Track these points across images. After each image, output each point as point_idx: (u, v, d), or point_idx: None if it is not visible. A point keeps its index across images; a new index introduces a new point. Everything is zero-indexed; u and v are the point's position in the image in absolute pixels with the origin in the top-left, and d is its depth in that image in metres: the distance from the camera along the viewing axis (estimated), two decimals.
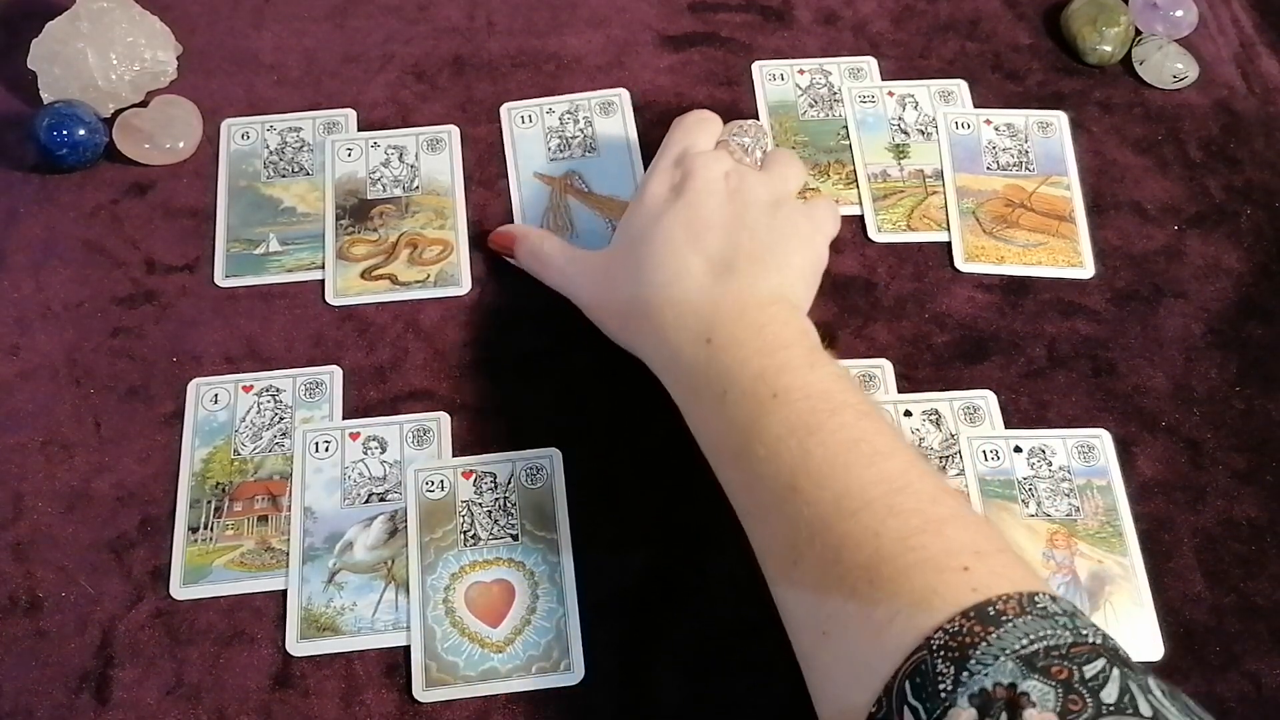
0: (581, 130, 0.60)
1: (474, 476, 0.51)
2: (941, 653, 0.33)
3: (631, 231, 0.50)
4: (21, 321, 0.55)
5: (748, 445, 0.42)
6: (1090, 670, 0.32)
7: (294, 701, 0.46)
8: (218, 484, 0.51)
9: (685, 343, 0.46)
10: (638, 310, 0.48)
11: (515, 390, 0.54)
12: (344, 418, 0.53)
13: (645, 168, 0.58)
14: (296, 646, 0.47)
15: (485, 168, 0.60)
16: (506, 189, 0.59)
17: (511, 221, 0.58)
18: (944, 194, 0.60)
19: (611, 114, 0.60)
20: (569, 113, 0.60)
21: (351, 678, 0.47)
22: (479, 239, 0.58)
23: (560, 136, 0.60)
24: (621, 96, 0.61)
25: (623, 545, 0.50)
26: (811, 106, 0.63)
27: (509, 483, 0.51)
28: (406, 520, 0.50)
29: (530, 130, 0.60)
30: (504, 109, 0.60)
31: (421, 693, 0.46)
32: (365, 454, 0.52)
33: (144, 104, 0.61)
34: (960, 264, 0.58)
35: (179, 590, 0.48)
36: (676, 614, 0.48)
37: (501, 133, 0.60)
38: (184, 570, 0.49)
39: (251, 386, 0.53)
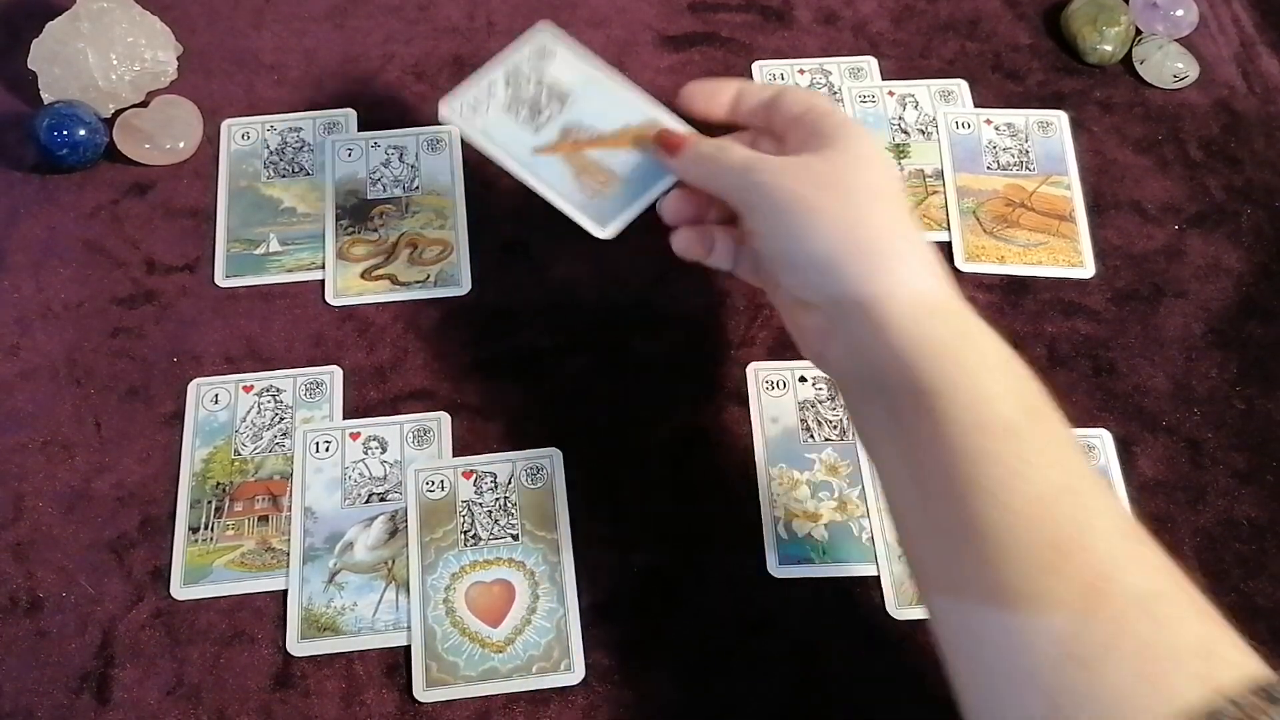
0: (537, 83, 0.52)
1: (474, 476, 0.51)
2: None
3: (873, 156, 0.42)
4: (22, 321, 0.55)
5: (1021, 433, 0.36)
6: None
7: (294, 701, 0.46)
8: (218, 484, 0.51)
9: (953, 291, 0.40)
10: (904, 226, 0.40)
11: (515, 390, 0.54)
12: (344, 418, 0.53)
13: (621, 77, 0.52)
14: (297, 646, 0.47)
15: (485, 167, 0.60)
16: (522, 188, 0.55)
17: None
18: (944, 194, 0.60)
19: (552, 54, 0.52)
20: (513, 77, 0.52)
21: (352, 678, 0.47)
22: (479, 239, 0.58)
23: (524, 101, 0.52)
24: (548, 33, 0.53)
25: (623, 545, 0.50)
26: None
27: (509, 483, 0.51)
28: (407, 520, 0.50)
29: (493, 115, 0.52)
30: (444, 106, 0.51)
31: (422, 693, 0.46)
32: (365, 454, 0.52)
33: (144, 104, 0.61)
34: (961, 263, 0.58)
35: (179, 590, 0.48)
36: (676, 614, 0.48)
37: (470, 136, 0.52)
38: (184, 570, 0.49)
39: (252, 386, 0.53)
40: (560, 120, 0.52)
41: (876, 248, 0.39)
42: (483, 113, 0.52)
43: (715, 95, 0.48)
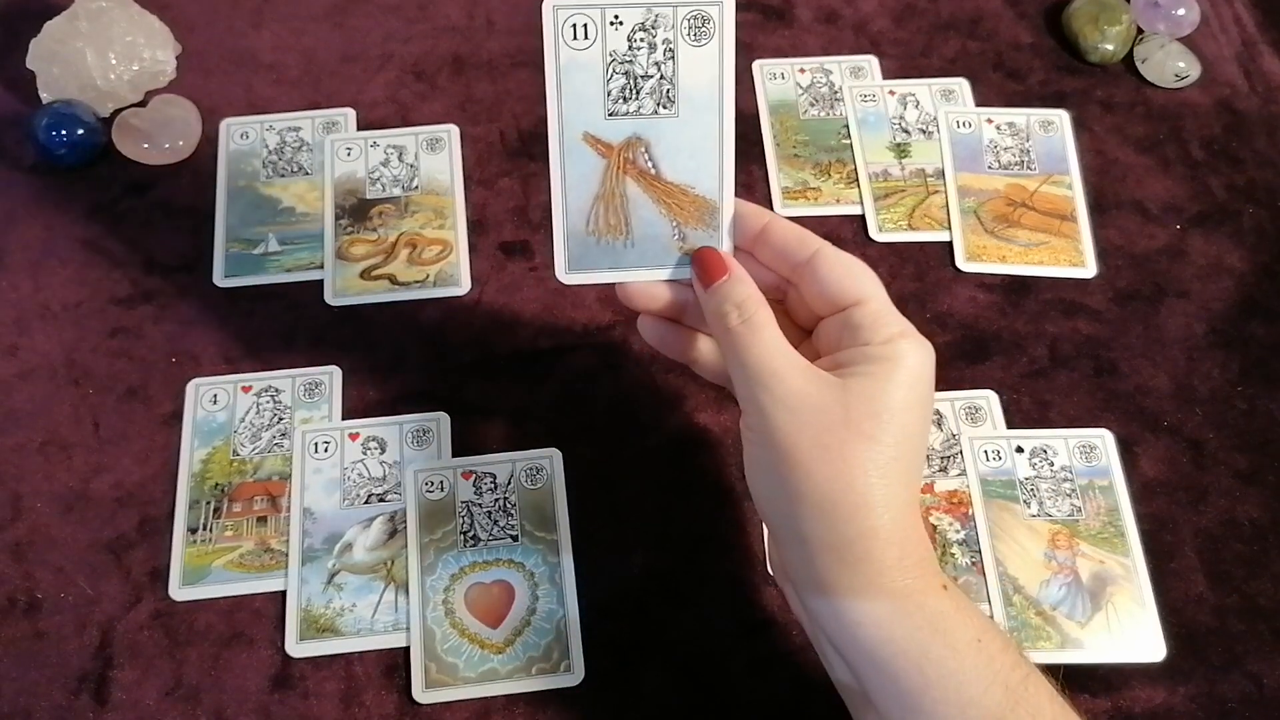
0: (659, 65, 0.40)
1: (474, 477, 0.51)
2: None
3: (898, 409, 0.38)
4: (20, 322, 0.55)
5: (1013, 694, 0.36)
6: None
7: (293, 703, 0.46)
8: (217, 484, 0.51)
9: (926, 586, 0.38)
10: (892, 516, 0.37)
11: (515, 390, 0.54)
12: (343, 418, 0.53)
13: (730, 116, 0.42)
14: (296, 648, 0.47)
15: (485, 167, 0.60)
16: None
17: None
18: (945, 193, 0.60)
19: (704, 40, 0.40)
20: (642, 29, 0.39)
21: (351, 679, 0.47)
22: (478, 239, 0.58)
23: (627, 73, 0.40)
24: (723, 7, 0.40)
25: (623, 545, 0.50)
26: (812, 105, 0.63)
27: (509, 483, 0.51)
28: (406, 521, 0.50)
29: (585, 54, 0.40)
30: (549, 6, 0.39)
31: (421, 694, 0.46)
32: (365, 454, 0.51)
33: (143, 104, 0.61)
34: (962, 263, 0.57)
35: (178, 591, 0.48)
36: (676, 615, 0.48)
37: (543, 59, 0.40)
38: (183, 571, 0.49)
39: (250, 387, 0.53)
40: (637, 124, 0.41)
41: (856, 550, 0.37)
42: (580, 39, 0.40)
43: (740, 222, 0.43)
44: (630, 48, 0.40)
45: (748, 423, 0.39)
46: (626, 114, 0.40)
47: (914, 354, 0.39)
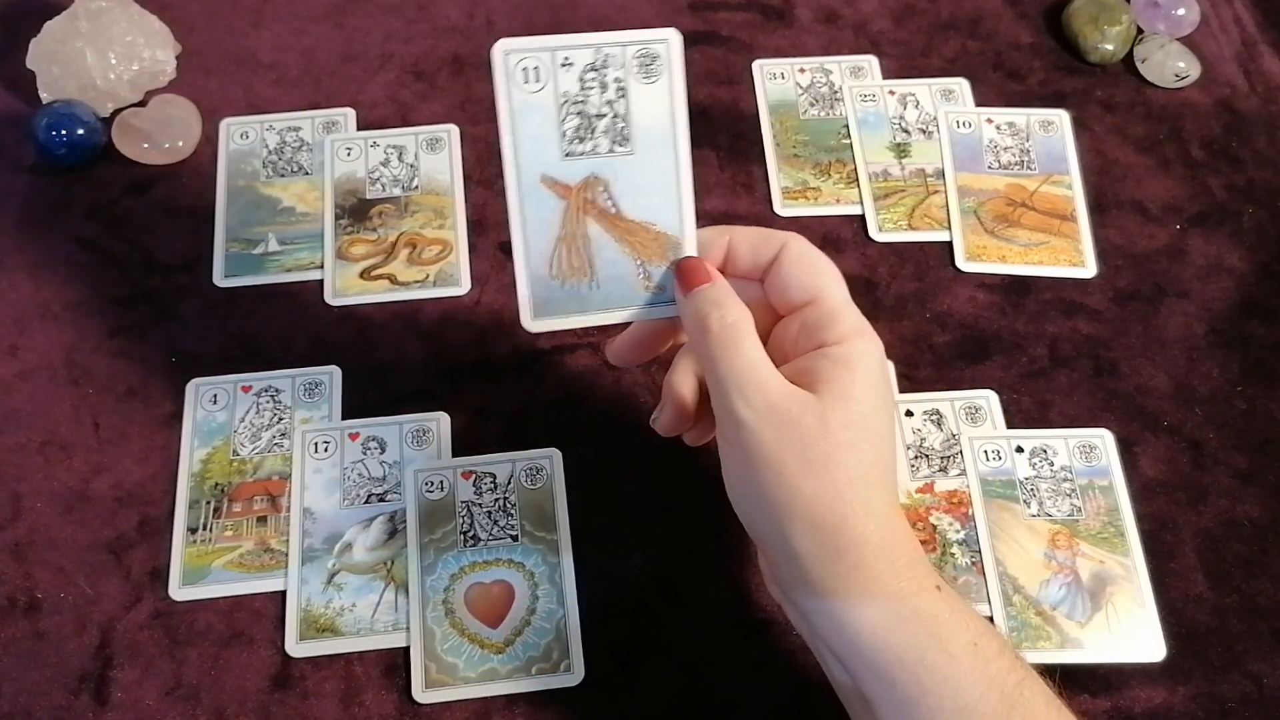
0: (611, 104, 0.40)
1: (474, 477, 0.51)
2: None
3: (871, 411, 0.38)
4: (20, 321, 0.55)
5: (1011, 696, 0.36)
6: None
7: (293, 703, 0.46)
8: (216, 484, 0.51)
9: (919, 588, 0.38)
10: (878, 521, 0.37)
11: (515, 390, 0.54)
12: (343, 418, 0.53)
13: (687, 151, 0.41)
14: (296, 647, 0.47)
15: (485, 167, 0.60)
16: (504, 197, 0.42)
17: (508, 244, 0.51)
18: (945, 193, 0.60)
19: (654, 77, 0.40)
20: (593, 70, 0.39)
21: (351, 679, 0.47)
22: (478, 239, 0.58)
23: (580, 113, 0.40)
24: (670, 44, 0.40)
25: (623, 545, 0.50)
26: (812, 105, 0.63)
27: (509, 483, 0.51)
28: (406, 521, 0.50)
29: (538, 97, 0.40)
30: (499, 51, 0.39)
31: (421, 694, 0.46)
32: (364, 454, 0.51)
33: (143, 103, 0.61)
34: (961, 263, 0.57)
35: (178, 591, 0.48)
36: (676, 615, 0.48)
37: (494, 100, 0.40)
38: (183, 571, 0.49)
39: (250, 387, 0.53)
40: (593, 163, 0.41)
41: (849, 559, 0.37)
42: (532, 82, 0.39)
43: (706, 251, 0.42)
44: (582, 88, 0.40)
45: (726, 437, 0.38)
46: (583, 154, 0.40)
47: (871, 354, 0.39)
